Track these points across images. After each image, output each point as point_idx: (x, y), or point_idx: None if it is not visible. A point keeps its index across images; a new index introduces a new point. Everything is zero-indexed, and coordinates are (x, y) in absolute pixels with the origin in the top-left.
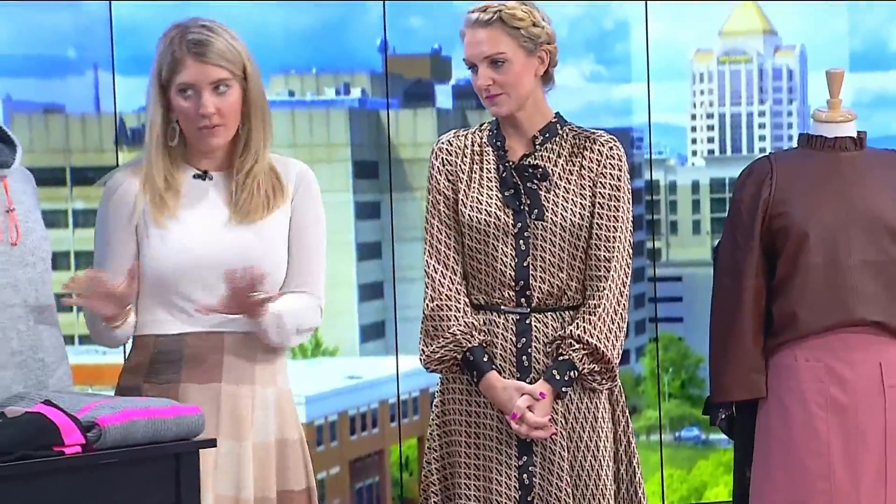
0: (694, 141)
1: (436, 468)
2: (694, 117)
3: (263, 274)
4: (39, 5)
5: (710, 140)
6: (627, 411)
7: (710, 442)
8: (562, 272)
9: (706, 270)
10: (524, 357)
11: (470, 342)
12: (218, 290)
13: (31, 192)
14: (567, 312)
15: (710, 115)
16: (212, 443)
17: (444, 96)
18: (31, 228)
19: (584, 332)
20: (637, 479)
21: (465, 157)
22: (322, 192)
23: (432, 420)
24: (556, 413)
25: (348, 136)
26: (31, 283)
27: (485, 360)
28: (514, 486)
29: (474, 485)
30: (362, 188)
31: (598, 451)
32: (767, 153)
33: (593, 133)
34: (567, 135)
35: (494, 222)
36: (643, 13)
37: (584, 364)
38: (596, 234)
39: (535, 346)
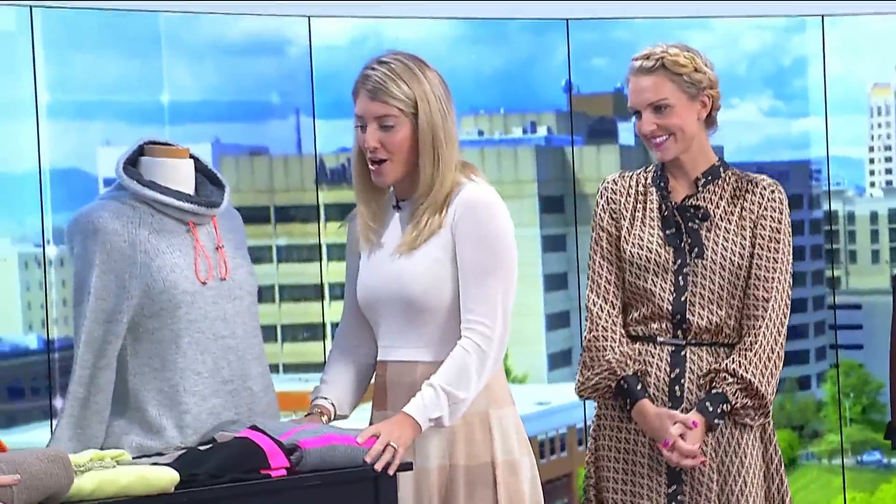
0: (872, 172)
1: (593, 494)
2: (872, 149)
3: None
4: (245, 54)
5: (889, 171)
6: (780, 449)
7: (892, 466)
8: (720, 309)
9: (885, 299)
10: (677, 388)
11: (624, 370)
12: (387, 321)
13: (239, 229)
14: (723, 349)
15: (887, 148)
16: (408, 466)
17: (626, 133)
18: (238, 264)
19: (740, 367)
20: None
21: (630, 196)
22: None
23: (589, 447)
24: (707, 445)
25: (535, 172)
26: (239, 315)
27: (638, 388)
28: None
29: None
30: (549, 222)
31: (745, 484)
32: None
33: (755, 177)
34: (729, 178)
35: (655, 259)
36: (820, 49)
37: (737, 398)
38: (755, 273)
39: (689, 378)
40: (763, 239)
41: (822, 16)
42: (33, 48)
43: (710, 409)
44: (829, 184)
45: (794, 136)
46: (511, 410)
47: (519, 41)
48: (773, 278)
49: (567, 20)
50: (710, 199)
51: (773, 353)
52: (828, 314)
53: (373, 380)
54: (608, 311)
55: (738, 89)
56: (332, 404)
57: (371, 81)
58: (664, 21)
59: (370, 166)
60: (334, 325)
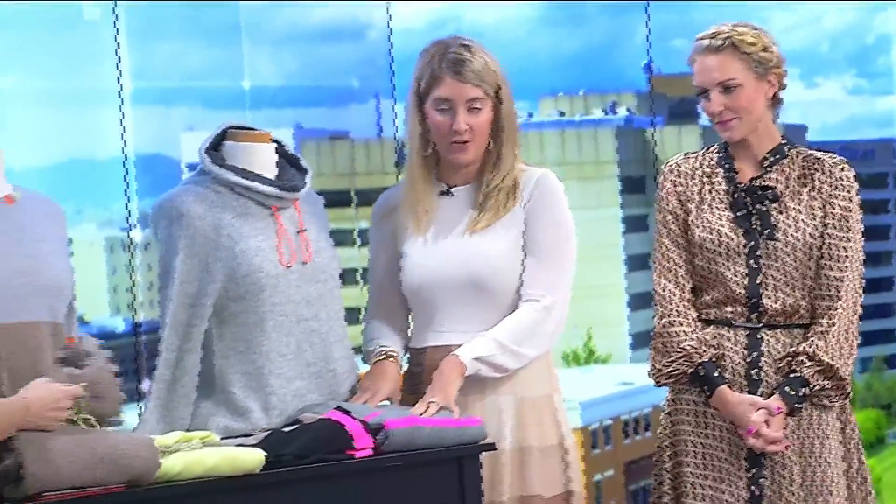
0: None
1: (667, 479)
2: None
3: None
4: (325, 39)
5: None
6: (858, 429)
7: None
8: (794, 290)
9: None
10: (754, 371)
11: (701, 356)
12: (453, 304)
13: (321, 213)
14: (798, 330)
15: None
16: (492, 447)
17: None
18: (320, 248)
19: (818, 350)
20: (871, 498)
21: (695, 178)
22: (591, 208)
23: (661, 433)
24: (787, 427)
25: (616, 153)
26: (321, 298)
27: (716, 374)
28: (745, 498)
29: (702, 494)
30: (630, 203)
31: (828, 465)
32: None
33: (822, 155)
34: (796, 157)
35: (726, 242)
36: None
37: (816, 381)
38: (827, 254)
39: (766, 361)
40: (834, 218)
41: None
42: (117, 38)
43: (791, 393)
44: None
45: (878, 114)
46: (561, 395)
47: (598, 22)
48: (845, 257)
49: (647, 1)
50: (778, 178)
51: (848, 333)
52: None
53: (422, 364)
54: (679, 294)
55: (822, 68)
56: (395, 350)
57: (461, 65)
58: (745, 2)
59: (453, 146)
60: None
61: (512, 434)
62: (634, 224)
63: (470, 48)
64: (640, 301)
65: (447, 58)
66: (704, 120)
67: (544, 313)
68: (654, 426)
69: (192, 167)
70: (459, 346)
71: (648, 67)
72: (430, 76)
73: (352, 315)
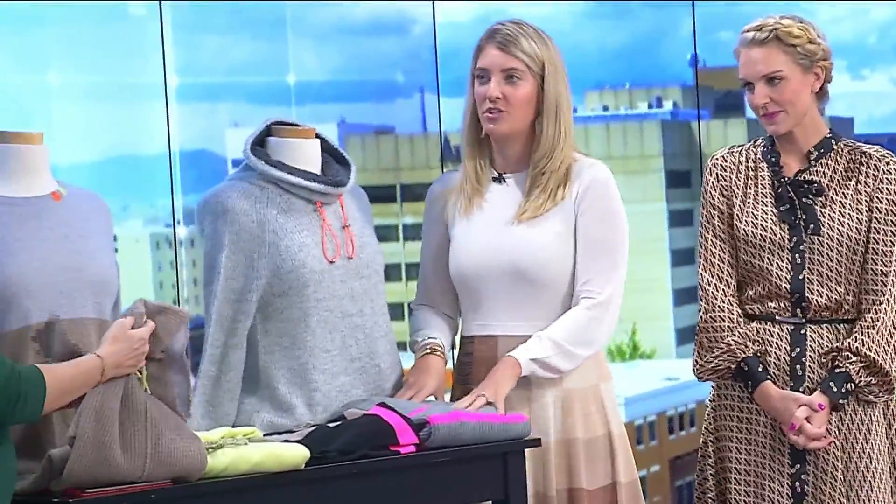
0: None
1: (711, 474)
2: None
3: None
4: (369, 34)
5: None
6: None
7: None
8: (839, 286)
9: None
10: (798, 367)
11: (744, 352)
12: (498, 294)
13: (365, 208)
14: (843, 325)
15: None
16: (537, 442)
17: None
18: (365, 243)
19: (863, 345)
20: None
21: (740, 172)
22: (636, 202)
23: (705, 428)
24: (831, 423)
25: (661, 147)
26: (366, 293)
27: (760, 369)
28: (787, 494)
29: (745, 490)
30: (675, 197)
31: (871, 461)
32: None
33: (868, 148)
34: (842, 150)
35: (770, 237)
36: None
37: (860, 377)
38: (872, 248)
39: (810, 356)
40: (880, 212)
41: None
42: (162, 33)
43: (835, 389)
44: None
45: None
46: (612, 384)
47: (644, 15)
48: (891, 251)
49: None
50: (824, 172)
51: (894, 328)
52: None
53: (471, 354)
54: (724, 290)
55: (869, 60)
56: (441, 344)
57: (501, 34)
58: None
59: (486, 115)
60: None
61: (557, 426)
62: (679, 218)
63: (520, 24)
64: (685, 296)
65: (492, 29)
66: (750, 113)
67: (601, 310)
68: (699, 422)
69: (236, 163)
70: (504, 337)
71: (694, 60)
72: (476, 49)
73: (396, 310)
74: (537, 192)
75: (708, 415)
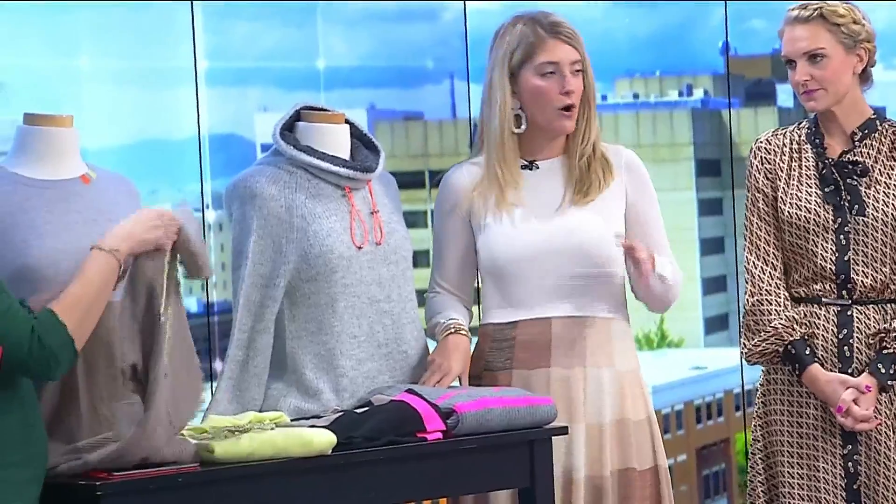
0: None
1: (760, 458)
2: None
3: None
4: (399, 20)
5: None
6: None
7: None
8: (884, 266)
9: None
10: (845, 348)
11: (791, 335)
12: (552, 274)
13: (394, 194)
14: (889, 305)
15: None
16: (563, 430)
17: (784, 95)
18: (393, 229)
19: None
20: None
21: (784, 154)
22: (666, 190)
23: (756, 411)
24: (881, 404)
25: (691, 135)
26: (394, 280)
27: (807, 352)
28: (840, 475)
29: (797, 473)
30: (705, 186)
31: None
32: None
33: None
34: (887, 131)
35: (814, 219)
36: None
37: None
38: None
39: (857, 338)
40: None
41: None
42: (193, 18)
43: (882, 370)
44: None
45: None
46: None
47: (674, 3)
48: None
49: None
50: (868, 153)
51: None
52: None
53: (513, 339)
54: (770, 273)
55: None
56: (464, 324)
57: (564, 27)
58: None
59: (561, 112)
60: None
61: (612, 407)
62: (709, 207)
63: (558, 16)
64: (713, 285)
65: (548, 21)
66: (781, 102)
67: (678, 274)
68: (727, 411)
69: (265, 148)
70: (558, 319)
71: (725, 48)
72: (528, 44)
73: (423, 297)
74: (585, 176)
75: (758, 398)
